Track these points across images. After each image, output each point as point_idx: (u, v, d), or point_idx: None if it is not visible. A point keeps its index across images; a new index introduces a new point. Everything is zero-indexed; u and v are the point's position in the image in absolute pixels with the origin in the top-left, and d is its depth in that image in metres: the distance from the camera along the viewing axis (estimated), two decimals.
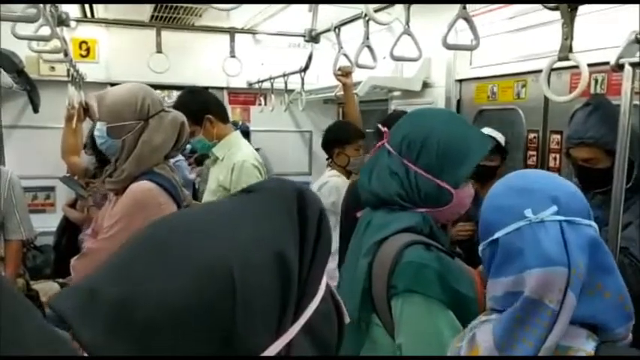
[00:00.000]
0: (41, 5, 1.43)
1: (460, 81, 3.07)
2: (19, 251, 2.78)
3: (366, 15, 2.32)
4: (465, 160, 1.25)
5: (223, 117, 2.55)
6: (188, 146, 3.77)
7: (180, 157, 3.90)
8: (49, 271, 3.63)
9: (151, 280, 0.52)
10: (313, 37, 2.93)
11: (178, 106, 2.47)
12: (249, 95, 4.68)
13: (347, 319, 0.66)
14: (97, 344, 0.49)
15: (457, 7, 1.78)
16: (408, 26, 2.05)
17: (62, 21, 2.32)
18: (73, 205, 3.16)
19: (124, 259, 0.55)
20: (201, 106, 2.49)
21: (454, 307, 1.16)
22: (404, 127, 1.33)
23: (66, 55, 2.48)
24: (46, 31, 2.05)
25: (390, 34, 3.38)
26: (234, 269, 0.52)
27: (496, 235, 0.97)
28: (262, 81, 4.25)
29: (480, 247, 1.04)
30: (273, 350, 0.54)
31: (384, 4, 2.12)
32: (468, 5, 1.77)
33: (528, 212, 0.94)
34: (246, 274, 0.53)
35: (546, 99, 2.50)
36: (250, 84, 4.48)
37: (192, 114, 2.41)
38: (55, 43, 2.44)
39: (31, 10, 1.59)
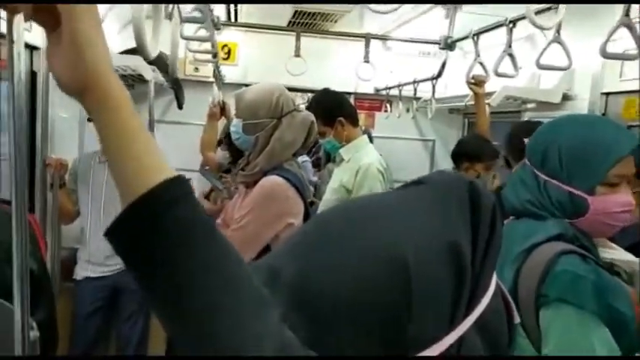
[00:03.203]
0: (208, 7, 1.55)
1: (607, 94, 2.86)
2: None
3: (510, 22, 2.26)
4: (594, 163, 1.16)
5: (354, 120, 2.60)
6: (321, 148, 3.85)
7: (306, 157, 4.02)
8: None
9: (327, 267, 0.53)
10: (449, 45, 2.90)
11: (313, 105, 2.56)
12: (375, 101, 4.71)
13: (517, 319, 0.64)
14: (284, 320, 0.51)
15: (608, 16, 1.68)
16: (559, 34, 1.96)
17: (215, 24, 2.50)
18: (207, 196, 3.37)
19: (303, 243, 0.58)
20: (335, 107, 2.56)
21: (609, 324, 1.08)
22: (534, 135, 1.31)
23: (214, 56, 2.67)
24: (202, 32, 2.23)
25: (527, 44, 3.26)
26: (409, 259, 0.52)
27: None
28: (390, 88, 4.26)
29: None
30: (445, 343, 0.53)
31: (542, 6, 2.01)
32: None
33: None
34: (421, 265, 0.52)
35: None
36: (377, 90, 4.51)
37: (325, 114, 2.49)
38: (206, 46, 2.65)
39: (196, 12, 1.75)
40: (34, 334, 1.04)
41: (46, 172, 2.71)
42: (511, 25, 2.23)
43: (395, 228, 0.56)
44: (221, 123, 3.98)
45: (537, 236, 1.19)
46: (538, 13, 1.93)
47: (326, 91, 2.75)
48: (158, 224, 0.48)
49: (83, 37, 0.49)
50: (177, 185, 0.51)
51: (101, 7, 3.24)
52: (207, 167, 3.44)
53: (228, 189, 3.02)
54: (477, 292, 0.57)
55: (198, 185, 4.25)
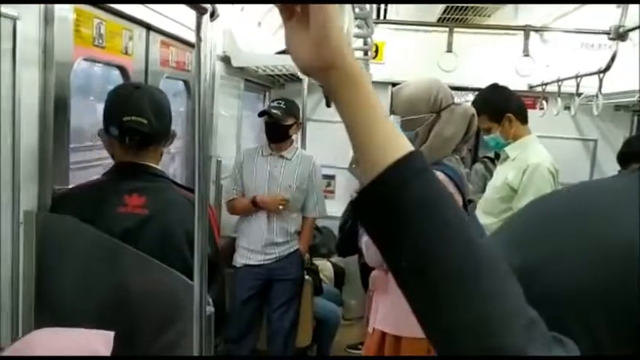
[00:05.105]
0: (370, 5, 1.57)
1: None
2: (311, 227, 3.16)
3: None
4: None
5: (523, 117, 2.49)
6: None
7: None
8: (324, 250, 4.04)
9: (559, 258, 0.51)
10: (620, 35, 2.63)
11: (480, 100, 2.49)
12: (529, 98, 4.43)
13: None
14: None
15: None
16: None
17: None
18: None
19: (524, 232, 0.57)
20: (504, 104, 2.48)
21: None
22: None
23: (365, 54, 2.70)
24: (356, 30, 2.26)
25: None
26: None
27: None
28: (547, 83, 3.98)
29: None
30: None
31: None
32: None
33: None
34: None
35: None
36: (532, 86, 4.25)
37: (493, 110, 2.41)
38: (358, 43, 2.68)
39: (357, 9, 1.77)
40: (210, 309, 1.14)
41: (210, 165, 2.95)
42: None
43: (624, 219, 0.52)
44: None
45: None
46: None
47: (494, 86, 2.66)
48: (408, 192, 0.50)
49: (329, 18, 0.52)
50: (419, 157, 0.53)
51: (258, 11, 3.39)
52: (354, 165, 3.51)
53: None
54: None
55: (348, 184, 4.33)
